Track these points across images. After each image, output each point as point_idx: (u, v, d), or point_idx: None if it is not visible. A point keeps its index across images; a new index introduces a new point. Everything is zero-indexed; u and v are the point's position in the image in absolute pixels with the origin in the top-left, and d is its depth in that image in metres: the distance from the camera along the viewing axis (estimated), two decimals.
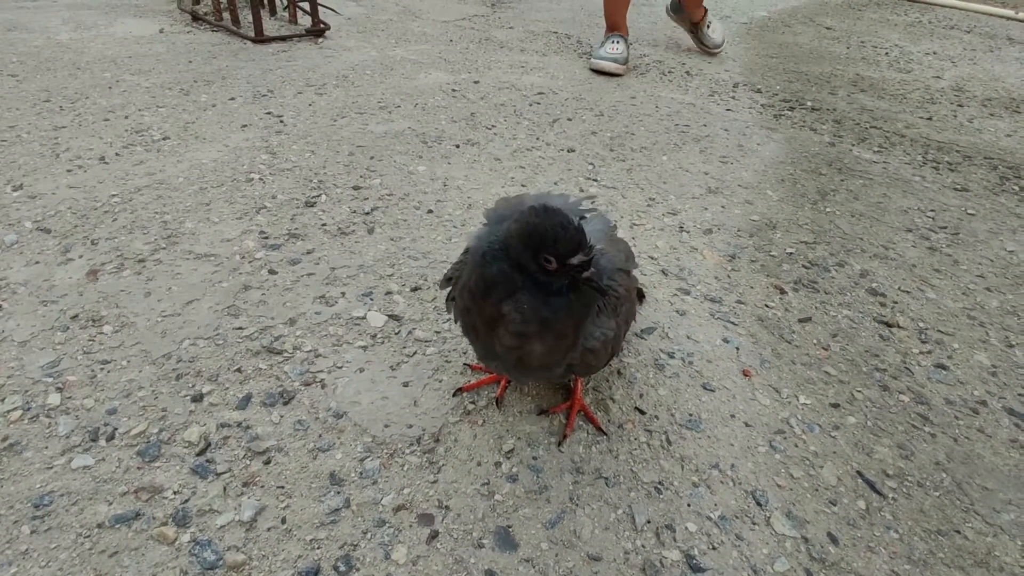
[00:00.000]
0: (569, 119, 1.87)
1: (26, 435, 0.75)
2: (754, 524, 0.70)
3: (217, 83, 2.00)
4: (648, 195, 1.43)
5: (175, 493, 0.69)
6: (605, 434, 0.79)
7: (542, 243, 0.57)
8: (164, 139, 1.59)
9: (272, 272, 1.08)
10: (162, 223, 1.21)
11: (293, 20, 2.78)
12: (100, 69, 2.08)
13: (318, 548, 0.64)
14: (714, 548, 0.67)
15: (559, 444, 0.77)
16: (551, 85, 2.18)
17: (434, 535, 0.66)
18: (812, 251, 1.25)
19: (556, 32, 3.02)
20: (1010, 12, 4.56)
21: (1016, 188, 1.63)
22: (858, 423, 0.85)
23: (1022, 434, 0.85)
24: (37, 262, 1.07)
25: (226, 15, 2.72)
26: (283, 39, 2.56)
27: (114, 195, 1.31)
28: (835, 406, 0.87)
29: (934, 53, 3.19)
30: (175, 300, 0.99)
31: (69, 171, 1.40)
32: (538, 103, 2.00)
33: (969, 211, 1.48)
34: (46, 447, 0.74)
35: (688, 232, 1.29)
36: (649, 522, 0.69)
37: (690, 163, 1.62)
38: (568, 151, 1.64)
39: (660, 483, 0.74)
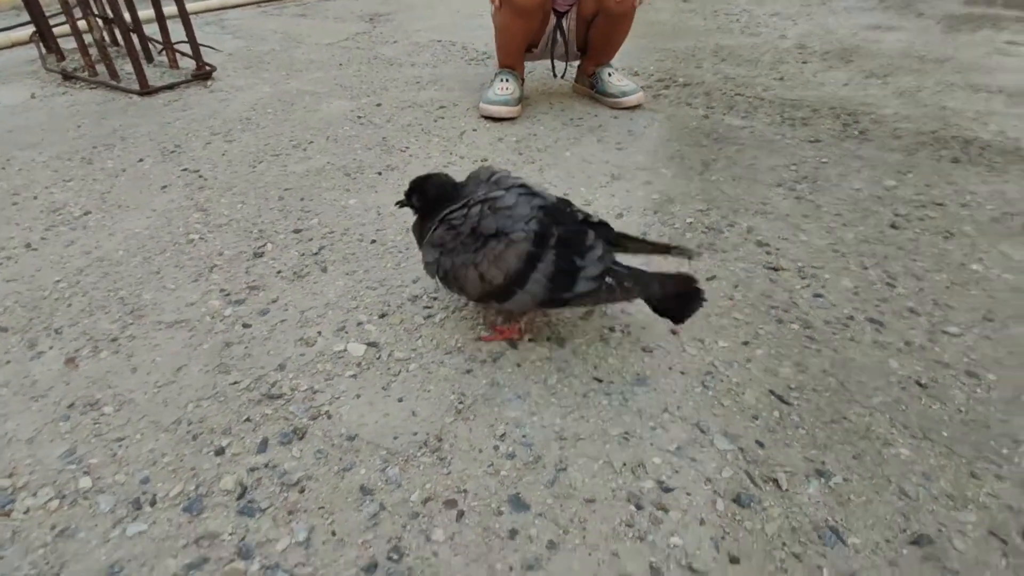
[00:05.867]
0: (474, 130, 2.02)
1: (72, 519, 0.83)
2: (702, 447, 0.89)
3: (118, 146, 1.98)
4: (562, 191, 1.61)
5: (231, 534, 0.80)
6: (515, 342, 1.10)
7: None
8: (86, 214, 1.59)
9: (246, 326, 1.17)
10: (119, 299, 1.26)
11: (174, 65, 2.72)
12: None
13: (370, 547, 0.78)
14: (676, 472, 0.86)
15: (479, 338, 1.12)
16: (450, 98, 2.31)
17: (461, 514, 0.81)
18: (707, 217, 1.48)
19: (440, 40, 3.13)
20: None
21: (856, 132, 1.95)
22: (764, 353, 1.07)
23: (880, 336, 1.11)
24: (8, 361, 1.11)
25: (100, 68, 2.62)
26: (171, 87, 2.52)
27: (58, 280, 1.33)
28: (745, 344, 1.09)
29: (777, 14, 3.58)
30: (163, 370, 1.07)
31: None
32: (442, 118, 2.13)
33: (823, 160, 1.76)
34: (95, 525, 0.82)
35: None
36: (624, 464, 0.87)
37: (591, 154, 1.82)
38: (481, 160, 1.79)
39: (626, 433, 0.92)
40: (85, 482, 0.88)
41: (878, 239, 1.39)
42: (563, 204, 1.06)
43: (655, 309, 1.05)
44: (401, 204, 1.12)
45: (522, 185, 1.05)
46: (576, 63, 2.30)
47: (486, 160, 1.80)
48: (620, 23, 2.03)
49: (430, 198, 1.08)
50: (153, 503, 0.84)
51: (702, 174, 1.69)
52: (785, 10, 3.65)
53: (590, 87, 2.24)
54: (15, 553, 0.78)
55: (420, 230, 1.11)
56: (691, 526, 0.79)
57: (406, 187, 1.10)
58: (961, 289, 1.22)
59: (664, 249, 1.06)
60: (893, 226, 1.44)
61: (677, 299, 1.03)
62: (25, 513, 0.84)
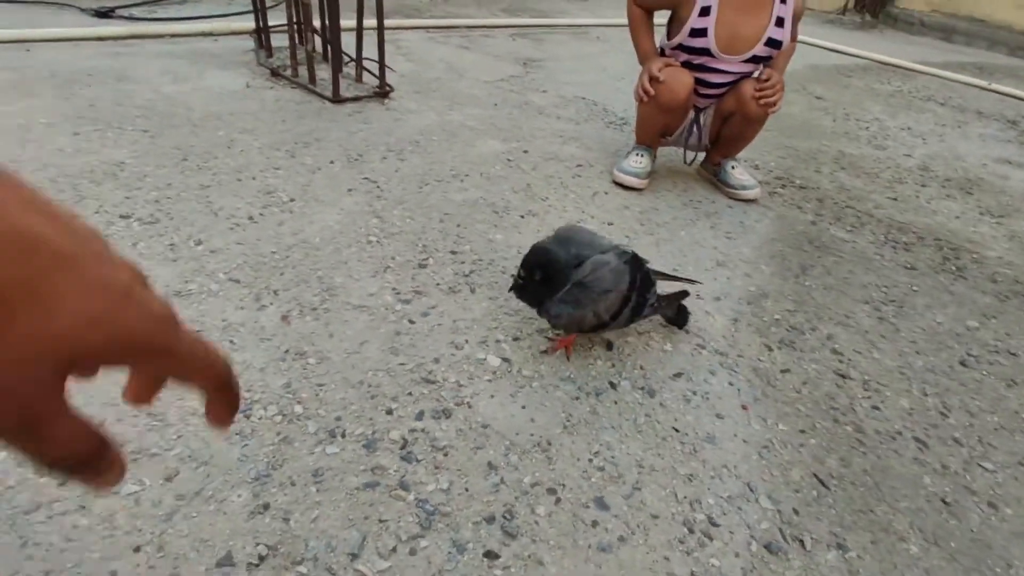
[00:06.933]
0: (606, 193, 2.33)
1: (290, 432, 1.18)
2: (748, 501, 1.14)
3: (314, 146, 2.43)
4: (673, 266, 1.88)
5: (395, 471, 1.13)
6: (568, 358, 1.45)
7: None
8: (291, 201, 2.02)
9: (411, 322, 1.52)
10: (318, 278, 1.65)
11: (359, 79, 3.21)
12: (213, 127, 2.50)
13: (491, 505, 1.08)
14: (724, 514, 1.11)
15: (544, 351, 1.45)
16: (587, 157, 2.63)
17: (558, 500, 1.10)
18: (793, 317, 1.71)
19: (584, 98, 3.48)
20: (982, 83, 5.09)
21: (953, 268, 2.10)
22: (817, 443, 1.30)
23: (921, 455, 1.31)
24: (242, 308, 1.51)
25: (301, 71, 3.14)
26: (355, 99, 3.00)
27: (273, 252, 1.74)
28: (802, 431, 1.32)
29: (909, 128, 3.68)
30: (352, 341, 1.43)
31: (230, 229, 1.82)
32: (579, 175, 2.45)
33: (914, 287, 1.94)
34: (305, 439, 1.17)
35: (703, 299, 1.74)
36: (685, 497, 1.13)
37: (703, 238, 2.08)
38: (608, 224, 2.09)
39: (691, 475, 1.18)
40: (298, 409, 1.23)
41: (945, 372, 1.57)
42: (629, 252, 1.42)
43: (670, 321, 1.54)
44: (520, 285, 1.32)
45: (615, 246, 1.40)
46: (703, 153, 2.57)
47: (612, 224, 2.10)
48: (754, 125, 2.29)
49: (551, 272, 1.29)
50: (343, 435, 1.19)
51: (798, 277, 1.92)
52: (918, 126, 3.75)
53: (713, 174, 2.50)
54: (254, 444, 1.15)
55: (537, 292, 1.33)
56: (728, 555, 1.04)
57: (523, 268, 1.29)
58: (1008, 434, 1.39)
59: (676, 279, 1.57)
60: (963, 363, 1.61)
61: (678, 313, 1.53)
62: (259, 419, 1.20)
